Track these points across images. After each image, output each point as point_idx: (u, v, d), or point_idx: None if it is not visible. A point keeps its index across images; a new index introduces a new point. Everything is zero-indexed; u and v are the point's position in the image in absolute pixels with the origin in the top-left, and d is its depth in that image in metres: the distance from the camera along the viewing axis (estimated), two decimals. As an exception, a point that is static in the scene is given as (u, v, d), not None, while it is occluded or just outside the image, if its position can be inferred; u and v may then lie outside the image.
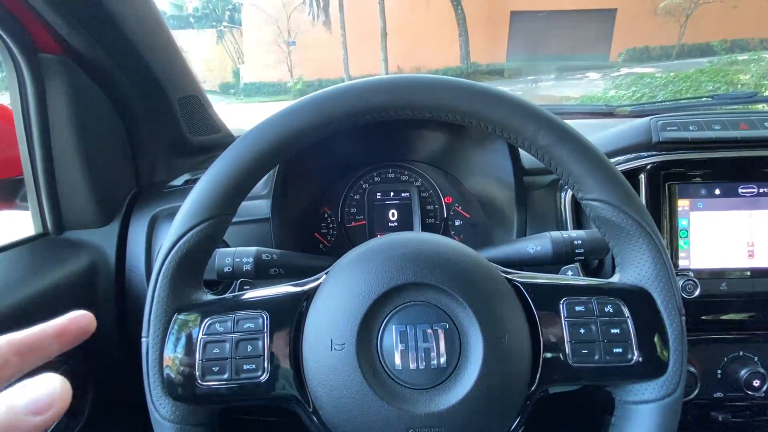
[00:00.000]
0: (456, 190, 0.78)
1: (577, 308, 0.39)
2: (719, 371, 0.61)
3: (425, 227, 0.78)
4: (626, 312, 0.39)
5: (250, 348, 0.38)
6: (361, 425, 0.35)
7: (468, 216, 0.79)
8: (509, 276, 0.41)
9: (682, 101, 1.03)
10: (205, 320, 0.38)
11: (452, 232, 0.79)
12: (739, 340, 0.61)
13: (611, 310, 0.39)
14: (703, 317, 0.60)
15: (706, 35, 7.84)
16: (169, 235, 0.39)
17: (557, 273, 0.53)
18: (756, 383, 0.58)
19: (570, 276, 0.48)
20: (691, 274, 0.59)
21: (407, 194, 0.78)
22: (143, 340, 0.38)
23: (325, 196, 0.78)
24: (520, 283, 0.40)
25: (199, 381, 0.37)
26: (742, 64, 5.43)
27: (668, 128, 0.61)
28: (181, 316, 0.39)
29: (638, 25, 8.53)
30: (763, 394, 0.60)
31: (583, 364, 0.38)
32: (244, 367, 0.38)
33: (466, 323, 0.36)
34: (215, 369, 0.37)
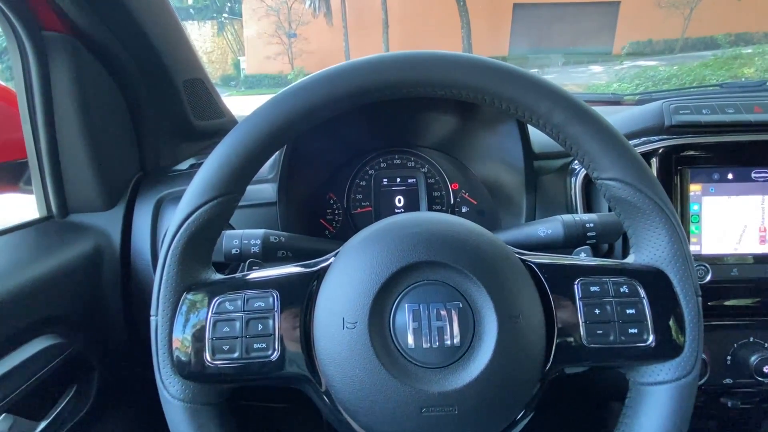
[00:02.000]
0: (463, 176, 0.77)
1: (592, 288, 0.38)
2: (729, 357, 0.61)
3: (433, 214, 0.77)
4: (642, 293, 0.38)
5: (260, 327, 0.37)
6: (373, 404, 0.35)
7: (475, 202, 0.78)
8: (523, 257, 0.40)
9: (691, 89, 1.02)
10: (215, 299, 0.38)
11: None
12: (749, 326, 0.61)
13: (627, 291, 0.38)
14: (714, 303, 0.59)
15: (711, 28, 7.78)
16: (177, 213, 0.38)
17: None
18: (766, 369, 0.58)
19: (584, 257, 0.48)
20: (702, 259, 0.59)
21: (414, 180, 0.77)
22: (152, 318, 0.38)
23: (331, 182, 0.78)
24: (534, 263, 0.40)
25: (209, 360, 0.37)
26: (746, 57, 5.39)
27: (681, 111, 0.60)
28: (191, 295, 0.38)
29: (642, 17, 8.45)
30: (771, 381, 0.59)
31: (598, 344, 0.37)
32: (254, 346, 0.37)
33: (479, 302, 0.36)
34: (225, 348, 0.37)
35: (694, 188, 0.59)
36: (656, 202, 0.38)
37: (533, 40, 9.39)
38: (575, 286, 0.38)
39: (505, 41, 9.76)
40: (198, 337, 0.37)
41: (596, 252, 0.62)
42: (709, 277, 0.57)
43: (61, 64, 0.59)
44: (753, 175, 0.59)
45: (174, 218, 0.38)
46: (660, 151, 0.59)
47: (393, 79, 0.39)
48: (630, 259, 0.41)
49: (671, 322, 0.38)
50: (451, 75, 0.39)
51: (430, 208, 0.78)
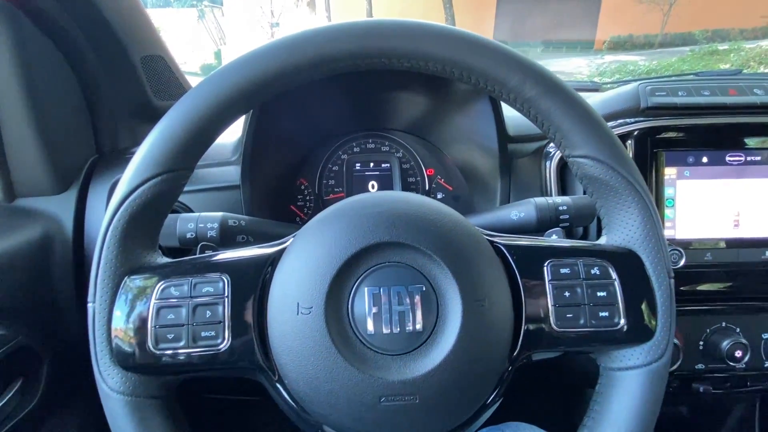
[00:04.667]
0: (438, 161, 0.75)
1: (562, 270, 0.37)
2: (701, 343, 0.60)
3: (406, 200, 0.75)
4: (613, 274, 0.36)
5: (209, 314, 0.34)
6: (329, 394, 0.33)
7: (450, 188, 0.76)
8: (492, 238, 0.38)
9: (666, 77, 1.02)
10: (159, 284, 0.35)
11: None
12: (722, 311, 0.60)
13: (598, 273, 0.36)
14: (687, 288, 0.59)
15: (689, 24, 7.91)
16: (117, 190, 0.35)
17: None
18: (738, 354, 0.58)
19: (555, 239, 0.46)
20: (677, 244, 0.58)
21: (388, 165, 0.75)
22: (89, 305, 0.35)
23: (302, 166, 0.75)
24: (503, 245, 0.38)
25: (152, 349, 0.34)
26: (722, 53, 5.50)
27: (657, 93, 0.59)
28: (132, 280, 0.35)
29: (623, 12, 8.55)
30: (744, 365, 0.59)
31: (568, 328, 0.36)
32: (202, 334, 0.34)
33: (444, 285, 0.34)
34: (170, 336, 0.34)
35: (669, 172, 0.58)
36: (629, 181, 0.37)
37: (517, 33, 9.43)
38: (545, 268, 0.37)
39: (489, 34, 9.78)
40: (140, 324, 0.34)
41: (571, 235, 0.60)
42: (682, 262, 0.57)
43: (1, 35, 0.54)
44: (727, 158, 0.58)
45: (114, 196, 0.35)
46: (635, 133, 0.58)
47: (354, 48, 0.36)
48: (602, 240, 0.39)
49: (643, 306, 0.36)
50: (417, 45, 0.36)
51: (404, 194, 0.76)
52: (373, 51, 0.36)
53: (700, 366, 0.60)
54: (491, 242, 0.38)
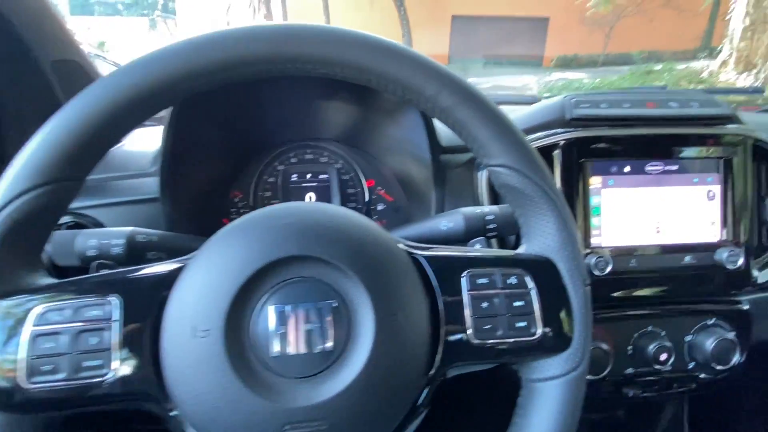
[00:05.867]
0: (378, 172, 0.74)
1: (480, 281, 0.36)
2: (630, 347, 0.61)
3: (346, 212, 0.74)
4: (530, 283, 0.36)
5: (94, 340, 0.31)
6: (229, 425, 0.30)
7: (391, 199, 0.75)
8: (411, 249, 0.37)
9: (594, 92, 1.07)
10: (37, 308, 0.31)
11: (375, 217, 0.75)
12: (648, 315, 0.62)
13: (515, 282, 0.36)
14: (615, 294, 0.60)
15: (628, 46, 8.50)
16: None
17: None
18: (663, 357, 0.59)
19: (476, 248, 0.46)
20: (603, 251, 0.59)
21: (326, 176, 0.73)
22: None
23: (236, 178, 0.71)
24: (422, 256, 0.37)
25: (25, 383, 0.30)
26: (657, 73, 5.93)
27: (581, 105, 0.61)
28: (5, 303, 0.31)
29: (569, 33, 9.06)
30: (670, 368, 0.61)
31: (486, 340, 0.35)
32: (86, 363, 0.31)
33: (356, 300, 0.32)
34: (47, 368, 0.30)
35: (595, 181, 0.60)
36: (544, 189, 0.37)
37: (472, 51, 9.76)
38: (463, 278, 0.36)
39: (445, 51, 10.06)
40: (12, 354, 0.30)
41: (504, 245, 0.61)
42: (609, 269, 0.58)
43: None
44: (647, 168, 0.61)
45: None
46: (562, 143, 0.59)
47: (263, 52, 0.34)
48: (521, 249, 0.39)
49: (559, 314, 0.36)
50: (331, 51, 0.35)
51: (344, 206, 0.74)
52: (284, 56, 0.35)
53: (629, 370, 0.62)
54: (410, 253, 0.37)
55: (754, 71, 4.78)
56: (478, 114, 0.36)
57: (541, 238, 0.38)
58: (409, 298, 0.34)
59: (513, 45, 9.54)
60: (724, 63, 5.18)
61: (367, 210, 0.74)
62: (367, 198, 0.74)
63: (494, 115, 0.37)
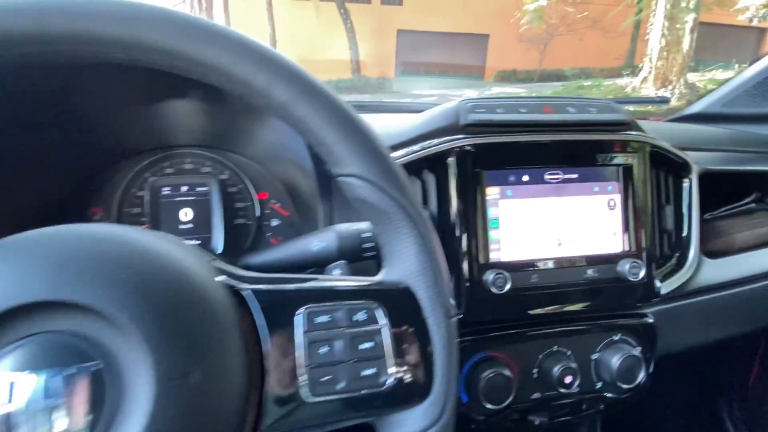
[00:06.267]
0: (272, 184, 0.66)
1: (319, 319, 0.29)
2: (535, 370, 0.57)
3: (233, 228, 0.65)
4: (382, 319, 0.29)
5: None
6: None
7: (287, 214, 0.67)
8: (233, 282, 0.29)
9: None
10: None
11: (268, 234, 0.67)
12: (554, 334, 0.58)
13: (363, 318, 0.29)
14: (516, 313, 0.56)
15: (561, 63, 9.00)
16: None
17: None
18: (567, 380, 0.55)
19: (327, 277, 0.39)
20: (502, 267, 0.54)
21: (206, 188, 0.64)
22: None
23: (92, 191, 0.60)
24: (249, 290, 0.29)
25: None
26: (587, 89, 6.30)
27: (476, 110, 0.56)
28: None
29: (507, 50, 9.48)
30: (577, 390, 0.57)
31: (325, 396, 0.28)
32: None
33: (130, 359, 0.24)
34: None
35: (492, 192, 0.55)
36: (400, 203, 0.30)
37: (418, 65, 9.95)
38: (298, 316, 0.28)
39: (392, 65, 10.20)
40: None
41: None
42: (508, 286, 0.53)
43: None
44: (546, 177, 0.57)
45: None
46: (455, 150, 0.54)
47: (31, 28, 0.26)
48: (379, 277, 0.32)
49: (416, 356, 0.30)
50: (124, 29, 0.27)
51: (231, 222, 0.65)
52: (58, 34, 0.26)
53: (536, 395, 0.57)
54: (231, 287, 0.29)
55: (670, 87, 5.20)
56: (322, 112, 0.29)
57: (400, 263, 0.31)
58: (213, 350, 0.26)
59: (456, 60, 9.85)
60: (644, 79, 5.59)
61: (259, 226, 0.66)
62: (258, 212, 0.65)
63: (342, 114, 0.30)
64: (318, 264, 0.44)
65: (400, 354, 0.29)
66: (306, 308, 0.29)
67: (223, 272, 0.30)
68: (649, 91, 5.32)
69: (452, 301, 0.31)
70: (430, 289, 0.30)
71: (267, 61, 0.29)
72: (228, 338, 0.27)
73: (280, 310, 0.28)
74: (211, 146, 0.62)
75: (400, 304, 0.30)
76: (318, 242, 0.44)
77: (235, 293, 0.29)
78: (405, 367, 0.29)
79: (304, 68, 0.31)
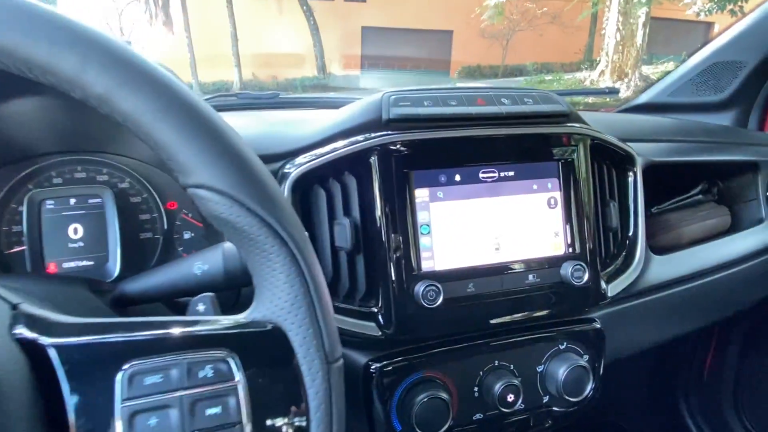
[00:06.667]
0: (183, 191, 0.58)
1: (148, 380, 0.22)
2: (476, 388, 0.52)
3: (138, 244, 0.57)
4: (237, 374, 0.23)
5: None
6: None
7: (200, 225, 0.59)
8: (32, 334, 0.22)
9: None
10: None
11: (180, 248, 0.59)
12: (494, 348, 0.53)
13: (210, 375, 0.22)
14: (451, 328, 0.50)
15: (523, 58, 9.16)
16: None
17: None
18: (510, 398, 0.50)
19: (174, 318, 0.31)
20: (433, 277, 0.49)
21: (99, 200, 0.55)
22: None
23: None
24: (51, 345, 0.22)
25: None
26: (548, 83, 6.43)
27: (400, 104, 0.50)
28: None
29: (471, 46, 9.55)
30: (521, 407, 0.52)
31: None
32: None
33: None
34: None
35: (421, 194, 0.50)
36: (265, 221, 0.24)
37: (383, 61, 9.91)
38: (118, 379, 0.22)
39: (357, 62, 10.11)
40: None
41: None
42: (441, 298, 0.48)
43: None
44: (480, 175, 0.52)
45: None
46: (378, 149, 0.48)
47: None
48: (244, 314, 0.25)
49: (286, 416, 0.23)
50: None
51: (136, 237, 0.57)
52: None
53: (478, 416, 0.52)
54: (28, 342, 0.22)
55: (626, 80, 5.35)
56: (158, 105, 0.23)
57: (271, 296, 0.25)
58: None
59: (421, 55, 9.85)
60: (602, 73, 5.74)
61: (167, 240, 0.58)
62: (166, 225, 0.57)
63: (185, 107, 0.23)
64: (203, 290, 0.37)
65: (262, 416, 0.23)
66: (130, 365, 0.22)
67: (27, 321, 0.22)
68: (607, 83, 5.46)
69: (336, 342, 0.25)
70: (305, 328, 0.24)
71: (81, 38, 0.22)
72: (15, 410, 0.20)
73: (92, 369, 0.21)
74: (88, 150, 0.54)
75: (264, 349, 0.24)
76: (200, 264, 0.37)
77: (36, 349, 0.22)
78: None
79: (130, 47, 0.24)
